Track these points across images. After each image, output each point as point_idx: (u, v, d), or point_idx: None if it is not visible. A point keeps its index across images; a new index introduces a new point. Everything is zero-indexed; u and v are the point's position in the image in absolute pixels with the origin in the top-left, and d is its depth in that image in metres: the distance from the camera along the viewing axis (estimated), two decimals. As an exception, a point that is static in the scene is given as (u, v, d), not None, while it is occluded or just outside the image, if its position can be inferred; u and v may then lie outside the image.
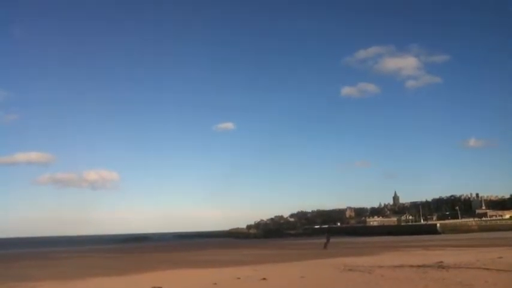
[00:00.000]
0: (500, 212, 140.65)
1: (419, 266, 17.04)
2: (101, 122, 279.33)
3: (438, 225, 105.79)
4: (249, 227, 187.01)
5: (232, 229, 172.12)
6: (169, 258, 33.90)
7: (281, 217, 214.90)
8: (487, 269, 14.80)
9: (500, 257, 19.90)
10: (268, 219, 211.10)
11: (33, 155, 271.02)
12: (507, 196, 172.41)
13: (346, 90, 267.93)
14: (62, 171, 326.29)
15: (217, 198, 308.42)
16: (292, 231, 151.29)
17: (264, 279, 14.85)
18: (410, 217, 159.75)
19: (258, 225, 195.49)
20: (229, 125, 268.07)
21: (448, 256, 22.41)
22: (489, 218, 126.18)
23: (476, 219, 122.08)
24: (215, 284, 14.07)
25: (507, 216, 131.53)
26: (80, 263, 33.25)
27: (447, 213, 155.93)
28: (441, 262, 18.38)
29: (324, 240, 41.24)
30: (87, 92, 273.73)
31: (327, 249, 36.55)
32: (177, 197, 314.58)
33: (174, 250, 51.93)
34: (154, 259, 33.18)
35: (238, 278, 15.49)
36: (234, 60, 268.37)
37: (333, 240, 44.48)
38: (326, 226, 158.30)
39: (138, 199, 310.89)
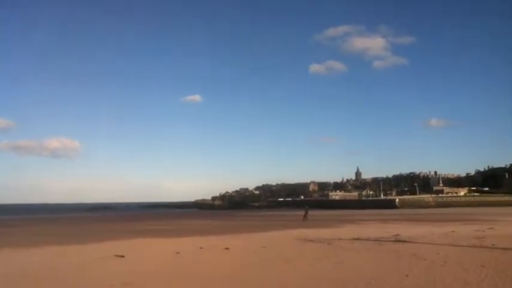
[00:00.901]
0: (456, 189, 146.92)
1: (376, 239, 17.66)
2: (63, 90, 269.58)
3: (397, 200, 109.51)
4: (214, 198, 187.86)
5: (197, 200, 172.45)
6: (132, 227, 33.71)
7: (246, 189, 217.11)
8: (440, 242, 15.48)
9: (453, 231, 20.88)
10: (233, 192, 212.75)
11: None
12: (463, 174, 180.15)
13: (315, 68, 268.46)
14: (22, 138, 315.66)
15: (184, 169, 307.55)
16: (256, 204, 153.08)
17: (227, 248, 15.05)
18: (371, 192, 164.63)
19: (223, 197, 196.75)
20: (197, 98, 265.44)
21: (404, 229, 23.30)
22: (445, 195, 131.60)
23: (433, 195, 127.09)
24: (178, 253, 14.15)
25: (462, 193, 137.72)
26: (38, 231, 32.56)
27: (406, 189, 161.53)
28: (397, 235, 19.12)
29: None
30: (49, 58, 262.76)
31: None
32: (143, 167, 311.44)
33: (138, 220, 51.69)
34: (116, 228, 32.91)
35: (201, 248, 15.63)
36: (202, 34, 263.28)
37: (295, 212, 45.33)
38: (290, 199, 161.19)
39: (102, 168, 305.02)
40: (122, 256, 13.32)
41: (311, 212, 43.78)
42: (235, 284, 8.79)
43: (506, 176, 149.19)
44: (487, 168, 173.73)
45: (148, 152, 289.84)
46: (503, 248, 12.98)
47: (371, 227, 26.82)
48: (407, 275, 8.99)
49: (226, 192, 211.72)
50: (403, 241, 16.15)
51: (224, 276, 9.69)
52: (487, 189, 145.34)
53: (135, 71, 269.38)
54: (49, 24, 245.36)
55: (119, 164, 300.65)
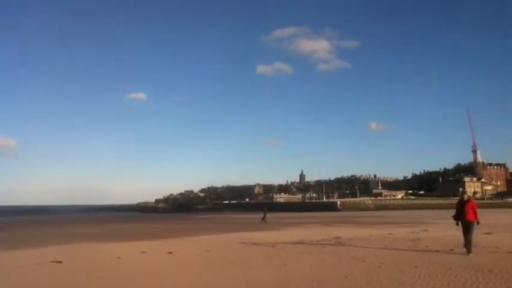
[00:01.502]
0: (394, 193, 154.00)
1: (318, 241, 18.13)
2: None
3: (339, 202, 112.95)
4: (157, 201, 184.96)
5: (140, 203, 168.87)
6: (70, 231, 32.37)
7: (191, 192, 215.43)
8: (378, 245, 16.15)
9: (390, 234, 21.86)
10: (178, 194, 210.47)
11: None
12: (401, 178, 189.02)
13: (262, 69, 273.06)
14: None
15: (127, 171, 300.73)
16: (201, 206, 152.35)
17: (170, 252, 14.85)
18: (314, 195, 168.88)
19: (168, 200, 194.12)
20: (141, 95, 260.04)
21: (345, 232, 24.08)
22: (384, 198, 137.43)
23: (372, 198, 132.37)
24: (119, 257, 13.78)
25: (399, 196, 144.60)
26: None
27: (347, 191, 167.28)
28: (339, 237, 19.73)
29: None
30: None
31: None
32: (84, 168, 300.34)
33: (77, 223, 49.70)
34: (53, 233, 31.49)
35: (144, 252, 15.32)
36: (148, 28, 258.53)
37: (239, 215, 45.51)
38: (235, 201, 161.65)
39: (40, 169, 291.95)
40: (60, 262, 12.78)
41: (256, 215, 44.20)
42: (178, 285, 8.71)
43: (440, 179, 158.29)
44: (423, 172, 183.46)
45: (90, 152, 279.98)
46: (436, 250, 13.75)
47: (314, 230, 27.46)
48: (346, 277, 9.31)
49: (171, 194, 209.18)
50: (344, 244, 16.68)
51: (167, 279, 9.57)
52: (422, 192, 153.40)
53: (77, 69, 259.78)
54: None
55: (58, 165, 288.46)
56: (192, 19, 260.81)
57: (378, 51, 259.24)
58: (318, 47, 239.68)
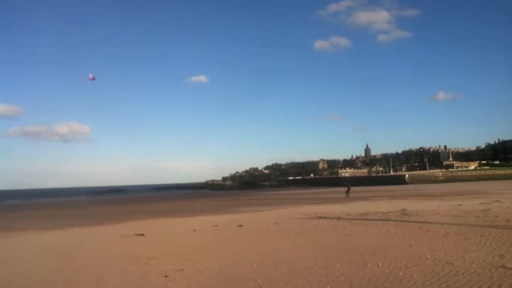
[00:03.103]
0: (466, 164, 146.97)
1: (384, 213, 18.30)
2: (71, 75, 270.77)
3: (407, 176, 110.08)
4: (224, 179, 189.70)
5: (208, 181, 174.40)
6: (147, 208, 34.74)
7: (256, 169, 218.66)
8: (445, 215, 16.05)
9: (459, 205, 21.42)
10: (243, 171, 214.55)
11: (2, 107, 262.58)
12: (473, 148, 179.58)
13: (319, 44, 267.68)
14: (31, 124, 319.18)
15: (193, 151, 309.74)
16: (266, 183, 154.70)
17: (240, 225, 15.78)
18: (381, 169, 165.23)
19: (234, 177, 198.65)
20: (202, 78, 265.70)
21: (412, 204, 23.91)
22: (455, 169, 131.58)
23: (443, 170, 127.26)
24: (194, 230, 14.93)
25: (472, 167, 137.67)
26: (57, 214, 33.71)
27: (416, 164, 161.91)
28: (405, 209, 19.73)
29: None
30: (56, 44, 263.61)
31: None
32: (152, 149, 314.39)
33: (151, 201, 52.90)
34: (131, 210, 33.95)
35: (216, 225, 16.39)
36: (207, 13, 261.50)
37: (303, 191, 46.03)
38: (299, 177, 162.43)
39: (112, 152, 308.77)
40: (142, 235, 14.12)
41: (320, 190, 44.49)
42: (251, 254, 9.47)
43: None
44: (497, 142, 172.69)
45: (158, 134, 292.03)
46: (506, 220, 13.50)
47: (379, 203, 27.46)
48: (410, 245, 9.60)
49: (237, 172, 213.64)
50: (410, 215, 16.74)
51: (238, 249, 10.38)
52: (497, 162, 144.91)
53: (141, 53, 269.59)
54: (54, 11, 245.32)
55: (128, 147, 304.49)
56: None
57: (441, 18, 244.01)
58: (376, 18, 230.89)
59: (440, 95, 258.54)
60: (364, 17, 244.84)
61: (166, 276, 7.69)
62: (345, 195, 40.08)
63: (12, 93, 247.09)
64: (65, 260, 10.19)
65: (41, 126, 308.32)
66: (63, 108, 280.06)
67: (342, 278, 6.97)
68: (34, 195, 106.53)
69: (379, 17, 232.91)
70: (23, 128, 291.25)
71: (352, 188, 43.84)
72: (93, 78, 29.91)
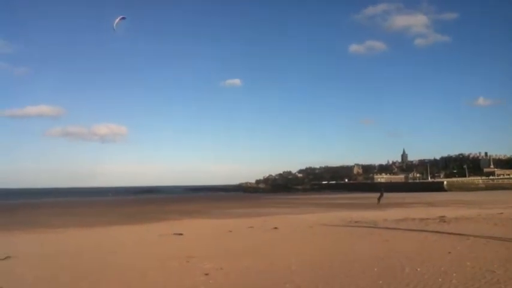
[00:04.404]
0: (508, 171, 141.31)
1: (421, 220, 18.01)
2: (110, 76, 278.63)
3: (445, 182, 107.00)
4: (258, 181, 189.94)
5: (241, 183, 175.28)
6: (183, 209, 35.45)
7: (289, 172, 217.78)
8: (486, 223, 15.67)
9: (501, 213, 20.78)
10: (277, 175, 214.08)
11: (44, 108, 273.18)
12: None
13: (354, 48, 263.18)
14: (72, 124, 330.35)
15: (227, 153, 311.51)
16: (299, 187, 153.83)
17: (275, 228, 15.95)
18: (418, 175, 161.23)
19: (267, 180, 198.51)
20: (237, 81, 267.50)
21: (451, 211, 23.40)
22: (497, 177, 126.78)
23: (483, 177, 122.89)
24: (230, 231, 15.22)
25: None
26: (97, 212, 34.93)
27: (455, 171, 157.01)
28: (443, 216, 19.33)
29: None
30: (96, 45, 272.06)
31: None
32: (187, 151, 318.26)
33: (187, 202, 53.84)
34: (169, 210, 34.72)
35: (251, 227, 16.63)
36: (241, 17, 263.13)
37: (338, 195, 45.60)
38: (334, 182, 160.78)
39: (148, 153, 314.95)
40: (181, 234, 14.52)
41: (355, 195, 43.99)
42: (288, 256, 9.62)
43: None
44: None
45: (192, 136, 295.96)
46: (551, 229, 13.09)
47: (417, 209, 27.00)
48: (449, 252, 9.49)
49: (270, 175, 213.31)
50: (448, 222, 16.44)
51: (275, 250, 10.56)
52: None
53: (177, 55, 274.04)
54: (92, 12, 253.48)
55: (164, 148, 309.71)
56: (281, 2, 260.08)
57: (480, 21, 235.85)
58: (414, 21, 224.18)
59: (480, 100, 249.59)
60: (400, 20, 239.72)
61: (206, 274, 7.95)
62: (377, 202, 38.50)
63: (54, 95, 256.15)
64: (110, 255, 10.67)
65: (81, 127, 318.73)
66: (102, 109, 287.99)
67: (380, 282, 7.02)
68: (74, 193, 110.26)
69: (416, 21, 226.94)
70: (63, 128, 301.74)
71: (388, 194, 43.00)
72: (122, 19, 24.20)
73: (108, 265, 9.24)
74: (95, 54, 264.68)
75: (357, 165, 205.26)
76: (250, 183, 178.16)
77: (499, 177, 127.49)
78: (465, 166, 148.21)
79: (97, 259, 10.13)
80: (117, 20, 23.34)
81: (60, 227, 19.78)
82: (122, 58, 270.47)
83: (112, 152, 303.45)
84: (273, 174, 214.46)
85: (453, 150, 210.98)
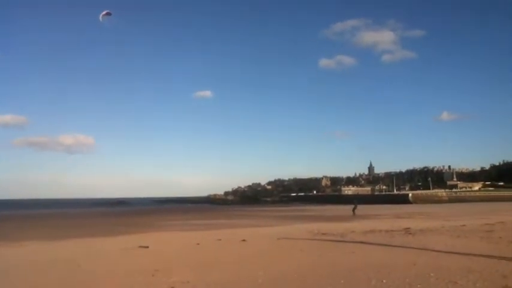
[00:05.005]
0: (470, 184, 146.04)
1: (387, 231, 18.29)
2: (76, 87, 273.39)
3: (410, 195, 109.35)
4: (226, 193, 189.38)
5: (210, 195, 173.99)
6: (150, 221, 34.81)
7: (258, 184, 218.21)
8: (449, 235, 16.06)
9: (464, 225, 21.37)
10: (246, 186, 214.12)
11: (8, 118, 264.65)
12: (477, 169, 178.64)
13: (324, 62, 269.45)
14: (37, 134, 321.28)
15: (197, 165, 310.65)
16: (268, 199, 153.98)
17: (244, 240, 15.82)
18: (384, 187, 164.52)
19: (236, 192, 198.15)
20: (207, 93, 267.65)
21: (416, 223, 23.88)
22: (459, 190, 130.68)
23: (447, 190, 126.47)
24: (198, 244, 14.98)
25: (476, 188, 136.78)
26: (62, 224, 33.87)
27: (419, 184, 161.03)
28: (409, 228, 19.70)
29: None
30: (63, 57, 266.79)
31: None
32: (156, 163, 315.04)
33: (154, 214, 52.91)
34: (135, 222, 34.01)
35: (219, 239, 16.44)
36: (212, 30, 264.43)
37: (306, 207, 45.93)
38: (302, 194, 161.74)
39: (116, 164, 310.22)
40: (147, 247, 14.20)
41: (323, 207, 44.41)
42: (256, 269, 9.53)
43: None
44: (502, 163, 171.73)
45: (162, 147, 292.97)
46: (509, 241, 13.51)
47: (383, 221, 27.41)
48: (414, 264, 9.64)
49: (239, 187, 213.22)
50: (413, 234, 16.74)
51: (243, 263, 10.45)
52: (502, 183, 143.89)
53: (147, 67, 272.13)
54: (57, 21, 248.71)
55: (132, 159, 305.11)
56: (252, 16, 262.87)
57: (446, 39, 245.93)
58: (381, 38, 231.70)
59: (445, 115, 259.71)
60: (368, 36, 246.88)
61: (172, 288, 7.77)
62: (352, 213, 39.74)
63: (17, 104, 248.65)
64: (73, 269, 10.30)
65: (47, 137, 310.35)
66: (68, 118, 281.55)
67: (347, 294, 7.03)
68: (37, 205, 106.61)
69: (384, 37, 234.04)
70: (28, 138, 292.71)
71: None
72: (108, 14, 22.81)
73: (70, 280, 8.90)
74: (62, 64, 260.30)
75: (325, 177, 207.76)
76: (218, 195, 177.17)
77: (462, 189, 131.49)
78: (429, 179, 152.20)
79: (59, 274, 9.74)
80: (103, 13, 22.38)
81: (18, 241, 18.99)
82: (90, 68, 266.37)
83: (79, 163, 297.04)
84: (242, 186, 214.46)
85: (418, 163, 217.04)
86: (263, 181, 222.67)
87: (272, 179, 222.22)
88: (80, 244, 17.07)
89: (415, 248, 12.36)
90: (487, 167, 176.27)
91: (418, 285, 7.47)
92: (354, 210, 40.48)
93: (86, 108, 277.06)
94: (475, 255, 10.69)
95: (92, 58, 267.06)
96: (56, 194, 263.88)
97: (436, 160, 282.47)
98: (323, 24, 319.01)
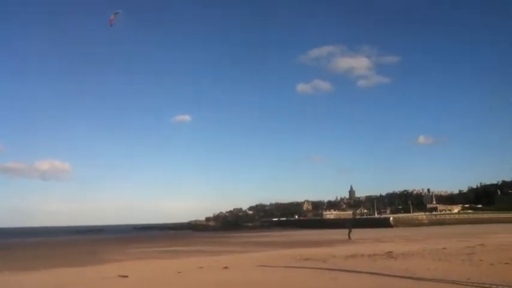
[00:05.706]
0: (449, 207, 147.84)
1: (370, 256, 18.23)
2: (52, 113, 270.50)
3: (391, 218, 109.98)
4: (208, 219, 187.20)
5: (191, 221, 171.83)
6: (128, 249, 33.99)
7: (240, 209, 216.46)
8: (431, 258, 16.10)
9: (445, 248, 21.47)
10: (227, 212, 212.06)
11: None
12: (456, 191, 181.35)
13: (301, 87, 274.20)
14: (11, 160, 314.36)
15: (177, 190, 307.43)
16: (250, 224, 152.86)
17: (226, 267, 15.55)
18: (365, 210, 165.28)
19: (217, 218, 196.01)
20: (186, 118, 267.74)
21: (398, 247, 23.89)
22: (439, 212, 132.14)
23: (427, 213, 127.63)
24: (179, 272, 14.64)
25: (455, 210, 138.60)
26: (35, 254, 32.79)
27: (400, 207, 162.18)
28: (391, 252, 19.70)
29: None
30: (38, 82, 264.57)
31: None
32: (135, 189, 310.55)
33: (134, 241, 51.78)
34: (112, 250, 33.19)
35: (201, 267, 16.11)
36: (190, 53, 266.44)
37: (288, 232, 45.68)
38: (284, 219, 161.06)
39: (93, 191, 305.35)
40: (126, 276, 13.79)
41: (305, 232, 44.23)
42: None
43: (499, 192, 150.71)
44: (479, 185, 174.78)
45: (141, 173, 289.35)
46: (491, 264, 13.59)
47: (366, 245, 27.36)
48: (398, 289, 9.60)
49: (220, 212, 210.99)
50: (396, 258, 16.73)
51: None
52: (480, 206, 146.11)
53: (125, 92, 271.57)
54: (31, 45, 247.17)
55: (110, 186, 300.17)
56: (232, 40, 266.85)
57: (420, 64, 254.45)
58: (356, 63, 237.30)
59: (421, 139, 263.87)
60: (344, 62, 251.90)
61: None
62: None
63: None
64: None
65: (21, 163, 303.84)
66: (44, 145, 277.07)
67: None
68: (10, 234, 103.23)
69: (359, 63, 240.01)
70: (2, 164, 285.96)
71: (337, 231, 43.58)
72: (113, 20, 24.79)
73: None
74: (37, 90, 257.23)
75: (307, 201, 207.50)
76: (199, 220, 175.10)
77: (441, 212, 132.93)
78: (409, 202, 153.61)
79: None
80: (113, 16, 23.25)
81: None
82: (66, 95, 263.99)
83: (55, 190, 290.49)
84: (224, 212, 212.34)
85: (398, 187, 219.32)
86: (244, 206, 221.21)
87: (254, 204, 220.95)
88: (55, 274, 16.50)
89: (398, 274, 12.31)
90: (465, 189, 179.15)
91: (403, 311, 7.41)
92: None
93: (62, 134, 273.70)
94: (457, 278, 10.70)
95: (66, 83, 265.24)
96: (30, 222, 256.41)
97: (415, 183, 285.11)
98: (300, 50, 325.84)
